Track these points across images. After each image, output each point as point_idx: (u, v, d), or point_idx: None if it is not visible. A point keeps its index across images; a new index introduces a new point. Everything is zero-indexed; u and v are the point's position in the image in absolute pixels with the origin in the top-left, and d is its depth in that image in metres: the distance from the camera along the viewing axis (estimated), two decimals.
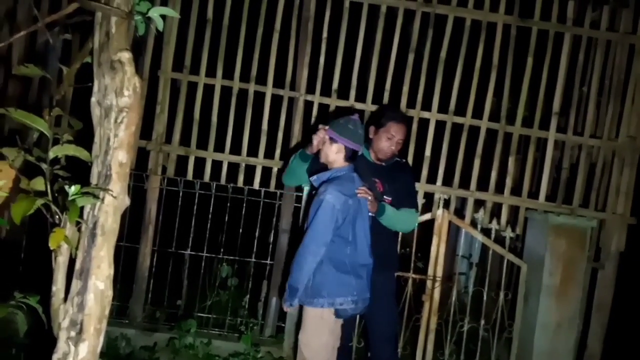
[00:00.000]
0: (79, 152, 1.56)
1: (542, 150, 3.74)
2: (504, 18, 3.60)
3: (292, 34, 3.67)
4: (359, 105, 3.66)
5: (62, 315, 1.56)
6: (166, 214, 3.77)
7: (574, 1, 3.59)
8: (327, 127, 2.84)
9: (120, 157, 1.64)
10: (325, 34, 3.65)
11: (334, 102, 3.67)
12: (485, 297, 3.77)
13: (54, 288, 1.60)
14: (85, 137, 1.73)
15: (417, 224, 3.05)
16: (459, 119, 3.64)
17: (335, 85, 3.67)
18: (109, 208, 1.59)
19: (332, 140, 2.81)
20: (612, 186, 3.60)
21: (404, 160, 3.10)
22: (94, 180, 1.65)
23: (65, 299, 1.59)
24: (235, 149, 3.68)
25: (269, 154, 3.69)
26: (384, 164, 3.12)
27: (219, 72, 3.66)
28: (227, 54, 3.65)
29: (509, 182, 3.64)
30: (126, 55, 1.72)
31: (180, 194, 3.76)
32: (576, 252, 3.61)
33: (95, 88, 1.74)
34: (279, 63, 3.67)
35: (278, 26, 3.65)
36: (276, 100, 3.70)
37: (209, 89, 3.67)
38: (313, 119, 3.67)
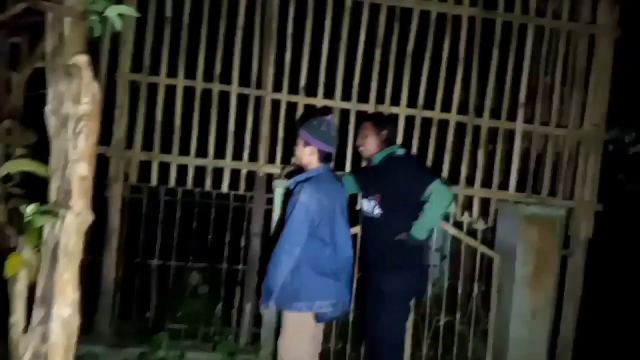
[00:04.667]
0: (35, 167, 1.42)
1: (509, 141, 3.77)
2: (469, 10, 3.59)
3: (256, 30, 3.55)
4: (327, 102, 3.58)
5: (23, 348, 1.42)
6: (131, 223, 3.59)
7: None
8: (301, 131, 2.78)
9: (81, 170, 1.51)
10: (290, 30, 3.55)
11: (302, 100, 3.57)
12: (460, 290, 3.77)
13: (12, 319, 1.46)
14: (41, 150, 1.58)
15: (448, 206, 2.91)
16: (428, 113, 3.62)
17: (302, 82, 3.57)
18: (71, 227, 1.46)
19: (305, 142, 2.74)
20: (578, 174, 3.66)
21: (399, 154, 3.02)
22: (52, 196, 1.51)
23: (27, 329, 1.45)
24: (202, 152, 3.54)
25: (237, 156, 3.57)
26: (375, 163, 3.06)
27: (181, 72, 3.50)
28: (189, 53, 3.49)
29: (479, 174, 3.64)
30: (83, 60, 1.58)
31: (144, 201, 3.59)
32: (547, 241, 3.66)
33: (50, 96, 1.59)
34: (243, 61, 3.54)
35: (241, 23, 3.52)
36: (242, 99, 3.57)
37: (170, 90, 3.51)
38: (281, 118, 3.56)
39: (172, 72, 3.49)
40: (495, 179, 3.65)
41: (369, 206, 3.01)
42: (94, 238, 3.36)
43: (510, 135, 3.72)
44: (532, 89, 3.68)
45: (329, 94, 3.59)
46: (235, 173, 3.58)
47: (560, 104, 3.69)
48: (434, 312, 3.76)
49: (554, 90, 3.66)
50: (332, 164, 2.82)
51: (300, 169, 2.98)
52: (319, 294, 2.67)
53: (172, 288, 3.69)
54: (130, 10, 1.76)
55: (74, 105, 1.53)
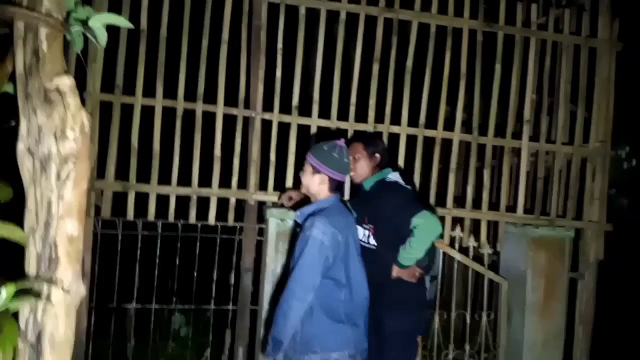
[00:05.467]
0: (9, 232, 1.04)
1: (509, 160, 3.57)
2: (469, 23, 3.39)
3: (243, 44, 3.22)
4: (322, 123, 3.28)
5: None
6: (104, 263, 3.15)
7: (537, 4, 3.47)
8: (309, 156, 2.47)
9: (70, 229, 1.14)
10: (280, 45, 3.24)
11: (295, 120, 3.26)
12: (468, 319, 3.52)
13: None
14: (14, 203, 1.20)
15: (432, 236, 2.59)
16: (430, 132, 3.37)
17: (295, 101, 3.26)
18: (59, 308, 1.08)
19: (314, 169, 2.43)
20: (586, 193, 3.50)
21: (391, 179, 2.73)
22: (31, 267, 1.13)
23: None
24: (184, 180, 3.16)
25: (225, 183, 3.20)
26: (365, 188, 2.77)
27: (159, 91, 3.13)
28: (168, 70, 3.12)
29: (485, 196, 3.42)
30: (67, 82, 1.22)
31: (119, 237, 3.17)
32: (557, 265, 3.47)
33: (23, 130, 1.22)
34: (229, 78, 3.20)
35: (226, 36, 3.19)
36: (229, 121, 3.22)
37: (148, 112, 3.12)
38: (273, 140, 3.23)
39: (149, 92, 3.11)
40: (503, 201, 3.44)
41: (364, 235, 2.72)
42: None
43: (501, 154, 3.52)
44: (537, 105, 3.50)
45: (324, 113, 3.29)
46: (222, 202, 3.21)
47: (566, 120, 3.52)
48: (442, 343, 3.50)
49: (559, 106, 3.49)
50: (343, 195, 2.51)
51: (305, 198, 2.66)
52: (335, 345, 2.34)
53: (153, 333, 3.26)
54: (121, 21, 1.41)
55: (58, 142, 1.17)
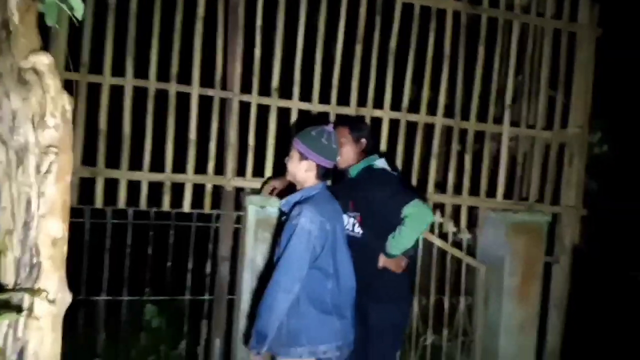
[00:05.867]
0: None
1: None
2: (453, 4, 3.31)
3: (220, 21, 3.03)
4: (303, 106, 3.16)
5: None
6: (72, 253, 2.95)
7: None
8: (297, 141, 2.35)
9: (53, 230, 1.01)
10: (259, 22, 3.07)
11: (274, 103, 3.12)
12: (446, 305, 3.53)
13: None
14: None
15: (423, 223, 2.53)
16: (413, 117, 3.30)
17: (275, 82, 3.11)
18: (44, 321, 0.95)
19: (301, 156, 2.31)
20: (563, 178, 3.53)
21: (379, 166, 2.65)
22: (7, 275, 0.98)
23: None
24: (157, 166, 2.98)
25: (201, 169, 3.04)
26: (351, 176, 2.68)
27: (129, 70, 2.91)
28: (139, 48, 2.91)
29: (466, 181, 3.40)
30: (44, 60, 1.07)
31: (87, 226, 2.97)
32: (534, 250, 3.50)
33: None
34: (205, 57, 3.02)
35: (201, 12, 2.99)
36: (205, 102, 3.05)
37: (117, 92, 2.91)
38: (251, 123, 3.09)
39: (118, 71, 2.89)
40: (483, 186, 3.42)
41: (349, 223, 2.64)
42: None
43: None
44: (518, 90, 3.48)
45: (305, 95, 3.16)
46: (198, 189, 3.06)
47: (545, 106, 3.52)
48: (421, 329, 3.50)
49: (539, 91, 3.48)
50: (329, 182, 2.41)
51: (290, 186, 2.54)
52: (322, 337, 2.27)
53: (125, 326, 3.10)
54: None
55: (36, 130, 1.02)
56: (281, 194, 2.73)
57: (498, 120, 3.46)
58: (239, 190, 3.17)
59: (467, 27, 3.34)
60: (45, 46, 2.57)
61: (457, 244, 3.54)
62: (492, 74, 3.40)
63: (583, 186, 3.53)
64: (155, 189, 3.00)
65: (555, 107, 3.53)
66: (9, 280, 0.96)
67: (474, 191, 3.44)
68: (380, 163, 2.69)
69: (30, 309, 0.92)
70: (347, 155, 2.66)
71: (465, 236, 3.52)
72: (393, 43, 3.24)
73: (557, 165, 3.55)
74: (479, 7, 3.35)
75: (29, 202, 0.98)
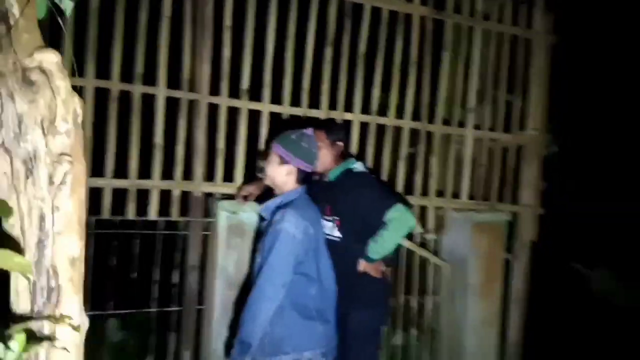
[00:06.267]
0: (17, 263, 0.77)
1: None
2: (420, 10, 3.36)
3: (187, 19, 2.91)
4: (274, 108, 3.09)
5: None
6: None
7: None
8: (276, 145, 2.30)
9: (71, 248, 0.91)
10: (228, 22, 2.97)
11: (245, 105, 3.03)
12: (415, 304, 3.59)
13: None
14: None
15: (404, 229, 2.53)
16: (382, 120, 3.33)
17: (245, 84, 3.03)
18: (69, 350, 0.85)
19: (281, 160, 2.26)
20: (521, 179, 3.68)
21: (358, 170, 2.64)
22: (21, 301, 0.87)
23: None
24: (121, 171, 2.82)
25: (167, 174, 2.91)
26: (330, 178, 2.65)
27: (90, 71, 2.73)
28: (101, 47, 2.73)
29: (433, 183, 3.47)
30: (52, 59, 0.97)
31: None
32: (495, 248, 3.63)
33: None
34: (172, 57, 2.88)
35: (168, 10, 2.85)
36: (171, 104, 2.91)
37: (77, 93, 2.71)
38: (221, 126, 2.98)
39: (78, 71, 2.70)
40: (449, 187, 3.51)
41: (327, 227, 2.62)
42: None
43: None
44: (480, 94, 3.59)
45: (276, 98, 3.10)
46: (165, 195, 2.92)
47: (505, 109, 3.66)
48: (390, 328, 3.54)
49: (499, 96, 3.62)
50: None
51: (268, 191, 2.48)
52: (307, 343, 2.23)
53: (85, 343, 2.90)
54: None
55: (46, 137, 0.91)
56: (257, 200, 2.66)
57: (462, 123, 3.55)
58: (208, 196, 3.06)
59: (432, 33, 3.40)
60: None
61: (423, 244, 3.60)
62: (456, 78, 3.48)
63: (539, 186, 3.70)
64: (119, 196, 2.83)
65: (512, 111, 3.68)
66: (24, 306, 0.86)
67: (440, 192, 3.51)
68: (359, 166, 2.68)
69: (53, 338, 0.82)
70: (325, 158, 2.62)
71: (431, 237, 3.59)
72: (362, 47, 3.25)
73: (515, 166, 3.70)
74: (444, 13, 3.42)
75: (42, 218, 0.87)
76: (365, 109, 3.29)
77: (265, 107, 3.06)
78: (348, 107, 3.25)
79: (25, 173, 0.89)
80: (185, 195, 2.98)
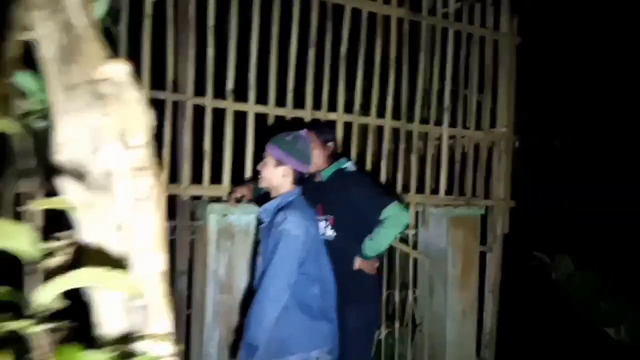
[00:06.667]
0: (114, 281, 0.75)
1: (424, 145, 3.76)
2: (397, 11, 3.45)
3: (169, 19, 2.84)
4: (259, 109, 3.08)
5: None
6: None
7: None
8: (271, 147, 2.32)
9: (159, 264, 0.90)
10: (211, 21, 2.93)
11: (230, 106, 3.00)
12: (397, 298, 3.68)
13: None
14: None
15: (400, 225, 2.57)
16: (364, 120, 3.39)
17: (229, 85, 3.00)
18: None
19: (278, 161, 2.29)
20: (494, 174, 3.85)
21: (350, 169, 2.68)
22: (113, 320, 0.85)
23: None
24: None
25: None
26: (322, 178, 2.68)
27: None
28: None
29: (413, 180, 3.57)
30: (124, 70, 0.95)
31: None
32: (471, 241, 3.79)
33: (60, 137, 0.92)
34: (155, 58, 2.81)
35: (149, 10, 2.78)
36: (156, 106, 2.84)
37: None
38: (207, 128, 2.94)
39: None
40: (428, 184, 3.62)
41: (321, 226, 2.66)
42: None
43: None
44: (454, 94, 3.72)
45: (261, 99, 3.09)
46: None
47: (476, 107, 3.82)
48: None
49: (471, 95, 3.76)
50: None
51: (265, 195, 2.48)
52: (313, 342, 2.26)
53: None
54: None
55: (125, 151, 0.90)
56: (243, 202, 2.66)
57: (437, 122, 3.67)
58: (194, 199, 3.01)
59: (409, 34, 3.50)
60: None
61: (403, 240, 3.70)
62: (432, 78, 3.60)
63: (510, 180, 3.88)
64: None
65: (482, 109, 3.84)
66: (115, 325, 0.84)
67: (420, 189, 3.62)
68: (351, 166, 2.73)
69: (153, 357, 0.81)
70: (317, 159, 2.65)
71: (411, 232, 3.69)
72: (344, 48, 3.29)
73: (487, 162, 3.86)
74: (419, 15, 3.52)
75: (128, 234, 0.86)
76: (349, 109, 3.34)
77: (251, 108, 3.05)
78: (331, 107, 3.28)
79: (103, 190, 0.87)
80: (172, 199, 2.92)
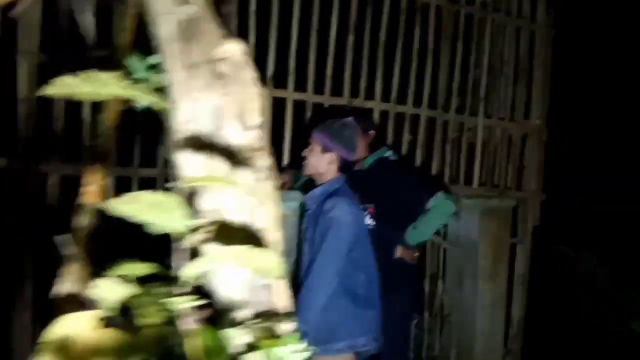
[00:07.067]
0: (261, 260, 0.75)
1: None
2: (436, 0, 3.41)
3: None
4: (297, 96, 3.07)
5: None
6: None
7: None
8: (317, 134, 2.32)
9: (280, 244, 0.91)
10: (253, 7, 2.92)
11: (270, 93, 2.99)
12: (427, 288, 3.69)
13: None
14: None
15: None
16: (400, 108, 3.37)
17: (269, 72, 2.99)
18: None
19: (324, 148, 2.28)
20: (527, 166, 3.83)
21: (392, 158, 2.68)
22: (235, 295, 0.86)
23: None
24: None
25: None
26: (364, 167, 2.68)
27: None
28: None
29: (447, 170, 3.55)
30: (238, 49, 0.94)
31: None
32: (503, 232, 3.77)
33: (182, 116, 0.91)
34: None
35: None
36: None
37: None
38: None
39: None
40: (462, 174, 3.61)
41: None
42: None
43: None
44: (490, 84, 3.69)
45: (300, 86, 3.08)
46: None
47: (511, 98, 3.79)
48: None
49: (506, 85, 3.73)
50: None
51: (310, 182, 2.48)
52: (361, 329, 2.28)
53: None
54: None
55: (245, 131, 0.90)
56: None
57: (472, 112, 3.64)
58: None
59: (448, 23, 3.47)
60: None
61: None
62: (468, 68, 3.57)
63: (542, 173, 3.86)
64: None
65: (517, 100, 3.81)
66: (241, 304, 0.84)
67: (453, 179, 3.61)
68: (392, 155, 2.72)
69: (279, 336, 0.81)
70: (358, 147, 2.65)
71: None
72: (382, 35, 3.27)
73: (520, 154, 3.84)
74: (458, 4, 3.49)
75: (251, 215, 0.86)
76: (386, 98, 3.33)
77: (290, 95, 3.04)
78: (369, 96, 3.27)
79: (225, 169, 0.87)
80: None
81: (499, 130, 3.73)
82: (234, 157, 0.87)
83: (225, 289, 0.85)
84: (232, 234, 0.79)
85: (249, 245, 0.73)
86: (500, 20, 3.66)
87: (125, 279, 0.68)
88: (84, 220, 0.88)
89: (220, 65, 0.90)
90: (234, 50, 0.92)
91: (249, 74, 0.92)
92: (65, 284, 0.82)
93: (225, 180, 0.81)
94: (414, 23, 3.36)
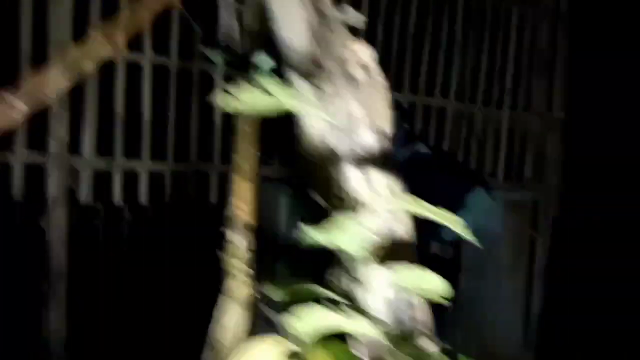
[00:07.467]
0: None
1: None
2: None
3: None
4: None
5: None
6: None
7: None
8: None
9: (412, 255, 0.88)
10: None
11: None
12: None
13: None
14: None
15: None
16: (427, 100, 3.34)
17: None
18: None
19: None
20: (548, 159, 3.82)
21: (424, 152, 2.64)
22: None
23: None
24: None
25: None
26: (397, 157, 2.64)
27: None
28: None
29: (473, 163, 3.54)
30: (367, 52, 0.90)
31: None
32: (524, 225, 3.78)
33: (316, 119, 0.87)
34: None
35: None
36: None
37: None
38: None
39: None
40: (487, 167, 3.60)
41: None
42: None
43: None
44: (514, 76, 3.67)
45: None
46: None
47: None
48: None
49: (533, 77, 3.71)
50: None
51: None
52: None
53: None
54: None
55: (375, 139, 0.86)
56: None
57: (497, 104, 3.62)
58: None
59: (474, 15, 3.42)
60: None
61: None
62: (495, 60, 3.54)
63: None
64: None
65: (539, 93, 3.79)
66: (386, 322, 0.80)
67: None
68: (425, 149, 2.69)
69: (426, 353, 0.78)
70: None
71: None
72: (411, 27, 3.22)
73: (541, 147, 3.83)
74: None
75: (387, 227, 0.82)
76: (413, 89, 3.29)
77: None
78: (397, 87, 3.22)
79: (360, 176, 0.83)
80: None
81: (521, 122, 3.72)
82: (370, 163, 0.83)
83: (372, 307, 0.81)
84: (396, 252, 0.76)
85: (411, 264, 0.69)
86: (524, 13, 3.63)
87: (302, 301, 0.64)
88: (241, 238, 0.84)
89: (353, 68, 0.86)
90: (363, 52, 0.87)
91: (380, 80, 0.88)
92: (229, 304, 0.78)
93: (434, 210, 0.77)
94: (442, 14, 3.31)
